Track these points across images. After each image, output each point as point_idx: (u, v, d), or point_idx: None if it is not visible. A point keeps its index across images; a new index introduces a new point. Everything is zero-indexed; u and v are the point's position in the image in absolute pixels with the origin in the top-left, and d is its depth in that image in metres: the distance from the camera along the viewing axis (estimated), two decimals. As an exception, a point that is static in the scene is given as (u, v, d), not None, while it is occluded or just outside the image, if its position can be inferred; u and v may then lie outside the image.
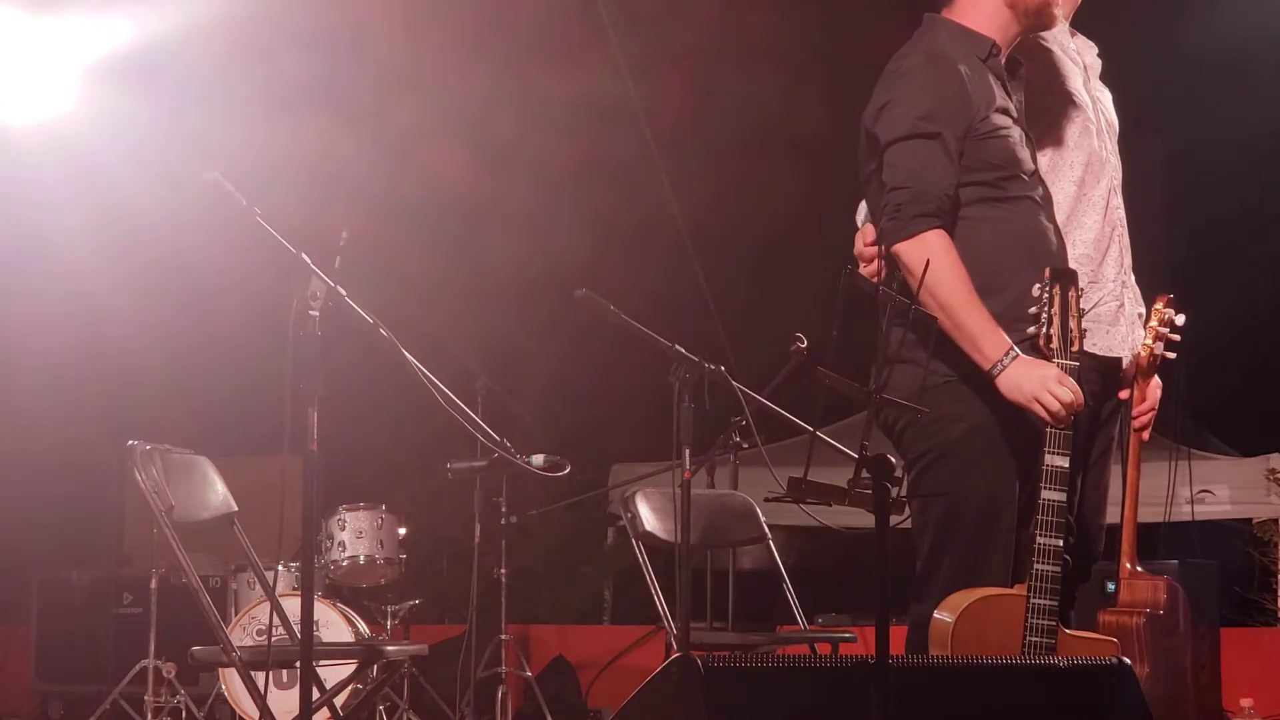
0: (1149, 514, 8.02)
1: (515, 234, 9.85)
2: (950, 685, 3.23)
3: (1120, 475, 4.22)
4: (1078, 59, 4.25)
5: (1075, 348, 3.73)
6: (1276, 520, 8.58)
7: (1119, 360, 4.09)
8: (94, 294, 8.98)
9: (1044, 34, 4.17)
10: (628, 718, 3.24)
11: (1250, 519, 8.66)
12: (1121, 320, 4.09)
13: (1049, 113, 4.12)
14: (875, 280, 3.74)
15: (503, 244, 9.82)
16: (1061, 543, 3.67)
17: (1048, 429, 3.70)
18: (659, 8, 9.22)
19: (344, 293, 3.76)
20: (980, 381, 3.73)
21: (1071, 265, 3.97)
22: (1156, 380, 4.13)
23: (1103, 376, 4.05)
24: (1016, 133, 3.90)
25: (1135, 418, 4.15)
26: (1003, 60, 3.95)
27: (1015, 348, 3.71)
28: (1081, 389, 3.78)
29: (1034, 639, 3.63)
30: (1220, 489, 8.52)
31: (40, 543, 9.43)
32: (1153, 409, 4.17)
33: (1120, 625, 4.02)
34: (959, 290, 3.68)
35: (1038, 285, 3.75)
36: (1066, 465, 3.71)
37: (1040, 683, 3.32)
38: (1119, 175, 4.21)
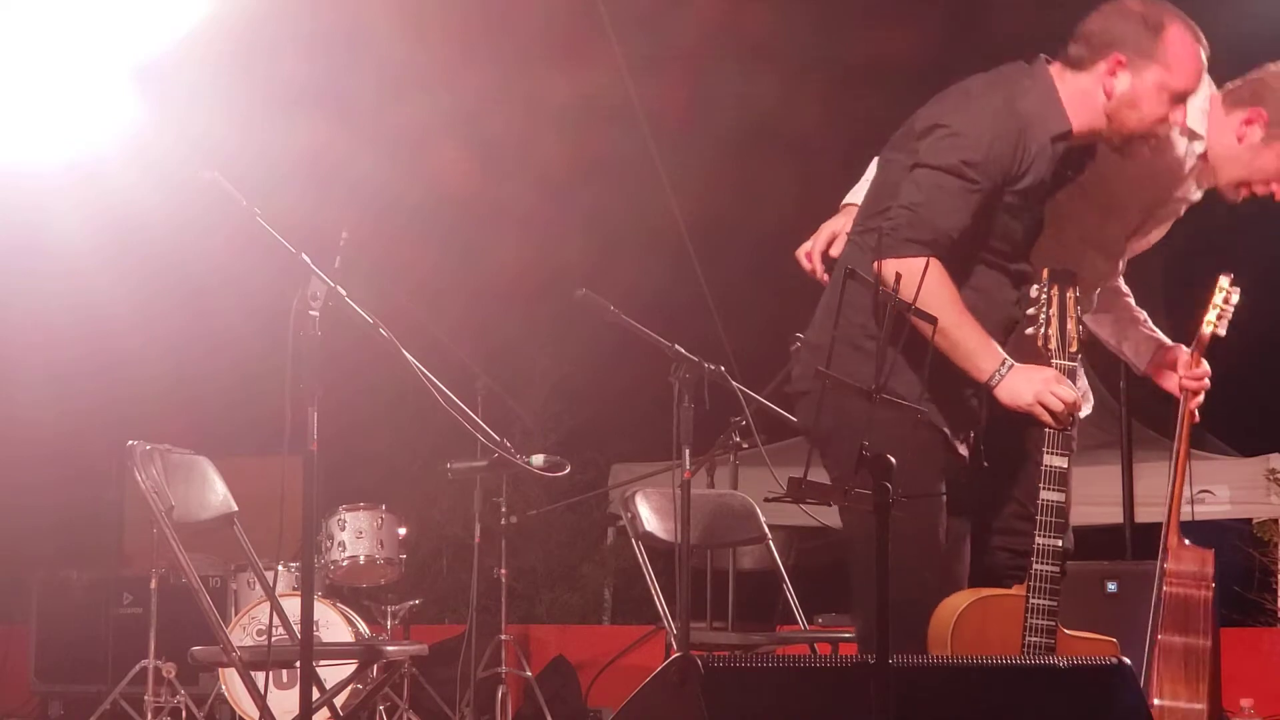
0: (1149, 514, 8.04)
1: (515, 234, 9.85)
2: (950, 685, 3.23)
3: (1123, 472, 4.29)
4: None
5: (1073, 349, 3.73)
6: (1276, 520, 8.59)
7: None
8: (94, 294, 8.98)
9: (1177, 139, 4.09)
10: (628, 718, 3.24)
11: (1250, 519, 8.66)
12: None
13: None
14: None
15: (503, 244, 9.82)
16: (1060, 543, 3.67)
17: (1046, 430, 3.70)
18: (659, 7, 9.21)
19: (344, 293, 3.76)
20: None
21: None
22: (1207, 366, 4.21)
23: None
24: (1030, 213, 3.85)
25: (1192, 395, 4.20)
26: (1067, 145, 3.85)
27: (1009, 358, 3.72)
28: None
29: (1033, 639, 3.64)
30: (1220, 489, 8.52)
31: (40, 543, 9.43)
32: (1207, 387, 4.21)
33: (1188, 599, 4.12)
34: (949, 308, 3.66)
35: (1036, 286, 3.75)
36: (1066, 465, 3.70)
37: (1040, 683, 3.32)
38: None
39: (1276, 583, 8.31)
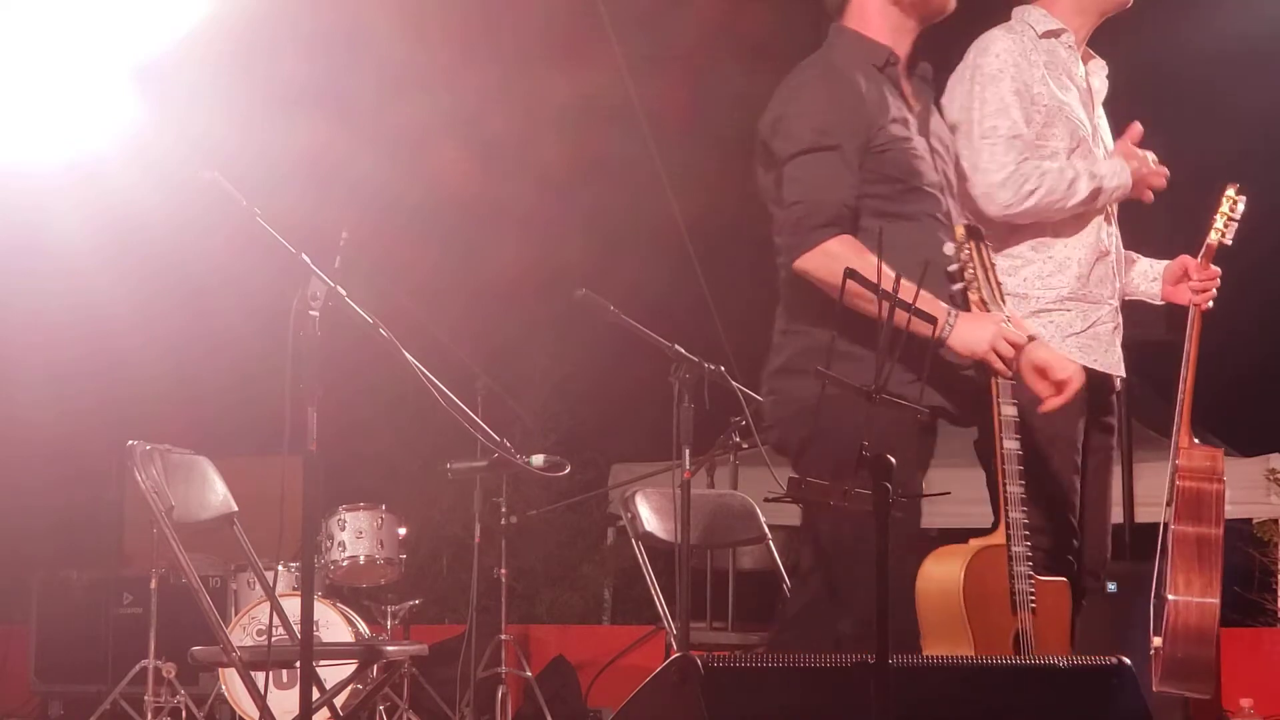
0: (1149, 514, 8.01)
1: (515, 234, 9.84)
2: (950, 685, 3.23)
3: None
4: (1083, 83, 4.27)
5: (1000, 298, 3.80)
6: (1276, 520, 8.58)
7: (1110, 378, 4.18)
8: (94, 294, 8.98)
9: (1054, 53, 4.17)
10: (628, 718, 3.24)
11: (1250, 519, 8.66)
12: (1118, 340, 4.18)
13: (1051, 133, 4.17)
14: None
15: (503, 244, 9.81)
16: (1021, 490, 3.75)
17: (996, 380, 3.75)
18: (659, 7, 9.22)
19: (344, 293, 3.75)
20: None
21: (1070, 285, 4.08)
22: (1216, 268, 4.35)
23: (1092, 392, 4.11)
24: (920, 144, 3.86)
25: (1203, 291, 4.34)
26: (902, 65, 3.91)
27: (953, 308, 3.73)
28: (1073, 403, 3.85)
29: (1021, 586, 3.72)
30: (1220, 489, 8.51)
31: (40, 543, 9.43)
32: (1216, 285, 4.35)
33: (1200, 492, 4.27)
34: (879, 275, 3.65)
35: (951, 245, 3.80)
36: (1015, 414, 3.77)
37: (1040, 683, 3.32)
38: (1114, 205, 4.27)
39: (1276, 583, 8.30)
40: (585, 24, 9.10)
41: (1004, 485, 3.74)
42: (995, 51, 4.16)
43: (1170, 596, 4.19)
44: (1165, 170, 4.33)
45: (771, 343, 3.97)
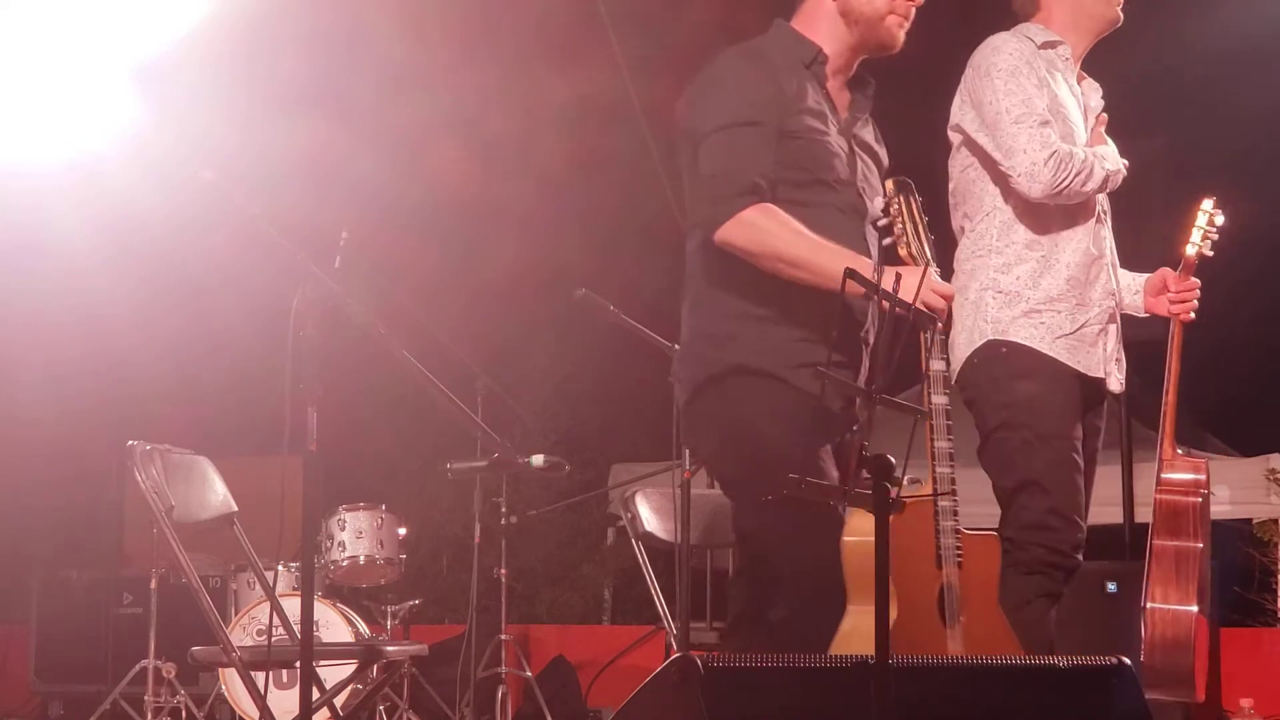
0: (1148, 514, 8.02)
1: (515, 234, 9.85)
2: (950, 685, 3.22)
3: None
4: (1079, 99, 4.30)
5: (928, 253, 3.79)
6: (1276, 520, 8.59)
7: (1100, 380, 4.18)
8: (94, 294, 8.98)
9: (1052, 62, 4.20)
10: (628, 718, 3.24)
11: (1250, 519, 8.67)
12: (1101, 343, 4.19)
13: None
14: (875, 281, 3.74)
15: (503, 244, 9.82)
16: (949, 445, 3.73)
17: (925, 334, 3.74)
18: (659, 7, 9.21)
19: (344, 293, 3.75)
20: (765, 360, 3.68)
21: (1060, 287, 4.11)
22: (1196, 279, 4.35)
23: (1083, 391, 4.12)
24: (837, 142, 3.82)
25: (1181, 302, 4.34)
26: (828, 68, 3.86)
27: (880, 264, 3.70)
28: (1068, 401, 3.86)
29: (946, 541, 3.71)
30: (1220, 489, 8.52)
31: (40, 543, 9.44)
32: (1196, 298, 4.35)
33: (1178, 506, 4.31)
34: (801, 241, 3.61)
35: (881, 199, 3.79)
36: (945, 369, 3.77)
37: (1040, 683, 3.32)
38: (1108, 208, 4.28)
39: (1276, 583, 8.31)
40: (585, 24, 9.10)
41: (932, 440, 3.72)
42: (1008, 51, 4.19)
43: (1148, 605, 4.20)
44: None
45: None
